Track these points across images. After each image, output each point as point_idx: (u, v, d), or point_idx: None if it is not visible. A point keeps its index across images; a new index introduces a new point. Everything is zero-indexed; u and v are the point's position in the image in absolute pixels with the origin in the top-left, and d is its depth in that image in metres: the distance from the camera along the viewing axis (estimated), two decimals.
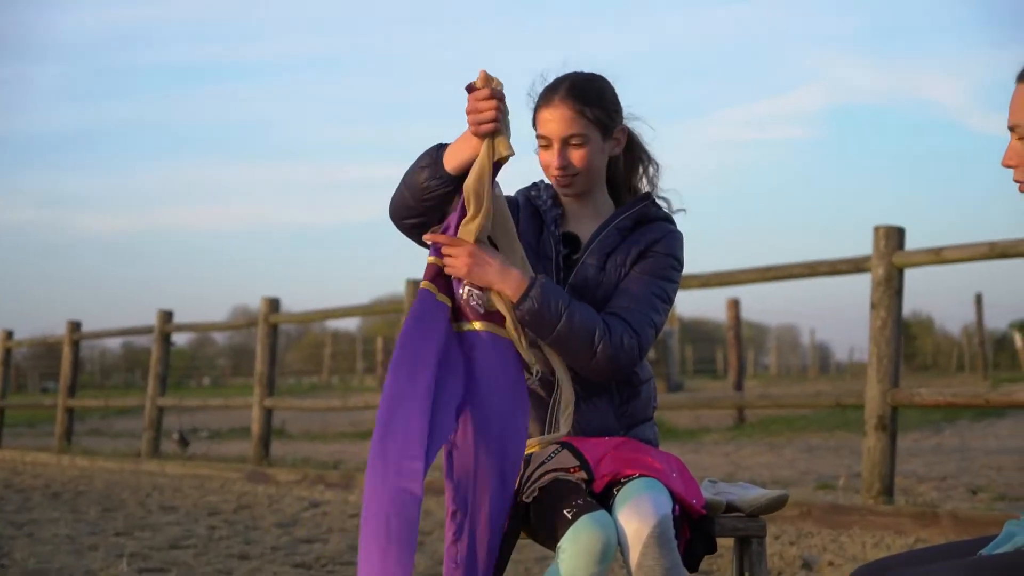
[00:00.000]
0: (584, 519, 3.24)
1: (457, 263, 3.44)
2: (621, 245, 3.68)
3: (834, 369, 56.45)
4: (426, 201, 3.49)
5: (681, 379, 35.30)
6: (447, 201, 3.50)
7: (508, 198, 3.72)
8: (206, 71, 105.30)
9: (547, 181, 3.81)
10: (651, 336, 3.55)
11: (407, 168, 3.54)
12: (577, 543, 3.21)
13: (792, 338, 71.41)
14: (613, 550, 3.24)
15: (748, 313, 59.23)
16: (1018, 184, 2.90)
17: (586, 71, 3.74)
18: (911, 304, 58.88)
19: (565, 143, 3.63)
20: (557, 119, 3.61)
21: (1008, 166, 2.91)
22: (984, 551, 2.87)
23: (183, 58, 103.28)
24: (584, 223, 3.77)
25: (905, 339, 48.77)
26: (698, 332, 58.17)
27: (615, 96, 3.73)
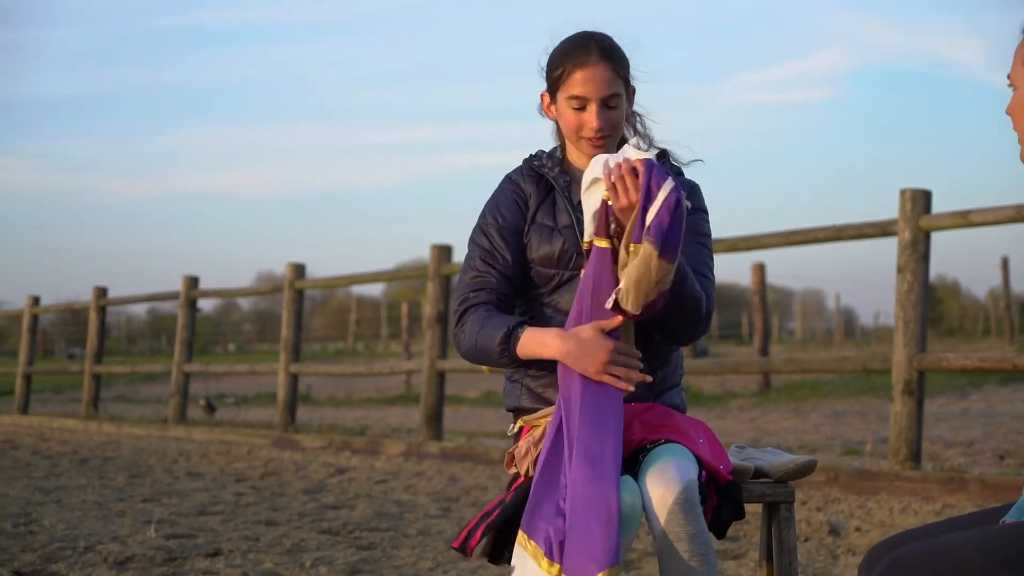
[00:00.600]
0: None
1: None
2: None
3: (859, 334, 56.31)
4: (502, 365, 3.59)
5: (706, 344, 35.23)
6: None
7: (505, 191, 3.72)
8: (229, 33, 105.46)
9: (546, 150, 3.78)
10: (713, 289, 3.63)
11: (470, 326, 3.58)
12: None
13: (817, 302, 71.32)
14: (639, 516, 3.23)
15: (773, 278, 59.25)
16: (1018, 135, 2.90)
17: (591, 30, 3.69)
18: (937, 268, 58.76)
19: (604, 104, 3.59)
20: (598, 79, 3.57)
21: (1009, 114, 2.92)
22: (1007, 518, 2.86)
23: (205, 20, 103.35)
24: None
25: (931, 303, 48.70)
26: (723, 297, 58.02)
27: (627, 55, 3.71)
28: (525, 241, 3.66)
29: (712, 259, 3.72)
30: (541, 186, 3.70)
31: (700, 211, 3.73)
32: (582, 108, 3.59)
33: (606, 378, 3.34)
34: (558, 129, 3.79)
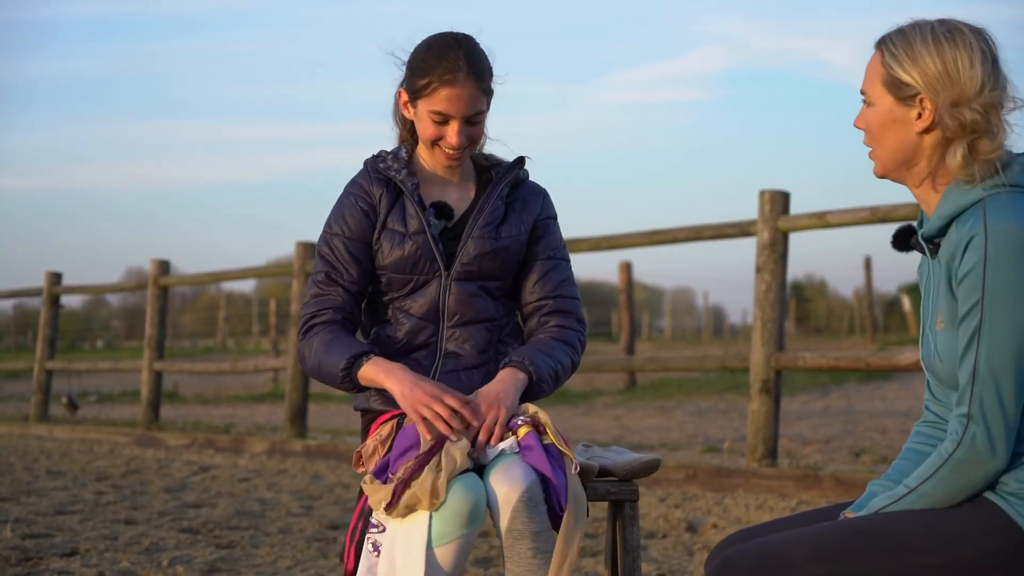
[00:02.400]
0: (452, 482, 3.27)
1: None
2: (510, 214, 3.72)
3: (728, 332, 56.89)
4: (344, 389, 3.63)
5: None
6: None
7: (350, 197, 3.70)
8: (92, 27, 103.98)
9: (388, 150, 3.78)
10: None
11: (316, 346, 3.61)
12: (446, 505, 3.24)
13: (687, 301, 71.95)
14: (482, 513, 3.27)
15: (644, 276, 59.59)
16: (869, 150, 2.98)
17: (456, 32, 3.67)
18: (805, 267, 59.55)
19: (467, 121, 3.59)
20: (465, 99, 3.55)
21: (857, 127, 2.99)
22: (846, 511, 2.94)
23: (64, 13, 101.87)
24: (450, 189, 3.75)
25: (798, 302, 49.36)
26: (594, 295, 58.29)
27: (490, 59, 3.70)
28: (375, 248, 3.67)
29: (570, 269, 3.81)
30: (390, 189, 3.69)
31: (550, 219, 3.80)
32: (443, 123, 3.59)
33: (418, 422, 3.40)
34: (404, 126, 3.79)
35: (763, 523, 3.13)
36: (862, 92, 2.96)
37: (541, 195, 3.81)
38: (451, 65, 3.55)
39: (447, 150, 3.61)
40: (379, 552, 3.36)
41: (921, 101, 2.84)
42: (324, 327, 3.63)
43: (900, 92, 2.86)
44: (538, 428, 3.44)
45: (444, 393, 3.41)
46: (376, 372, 3.50)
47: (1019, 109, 2.85)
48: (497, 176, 3.76)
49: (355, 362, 3.52)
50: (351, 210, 3.69)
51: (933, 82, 2.82)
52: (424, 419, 3.38)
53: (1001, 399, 2.68)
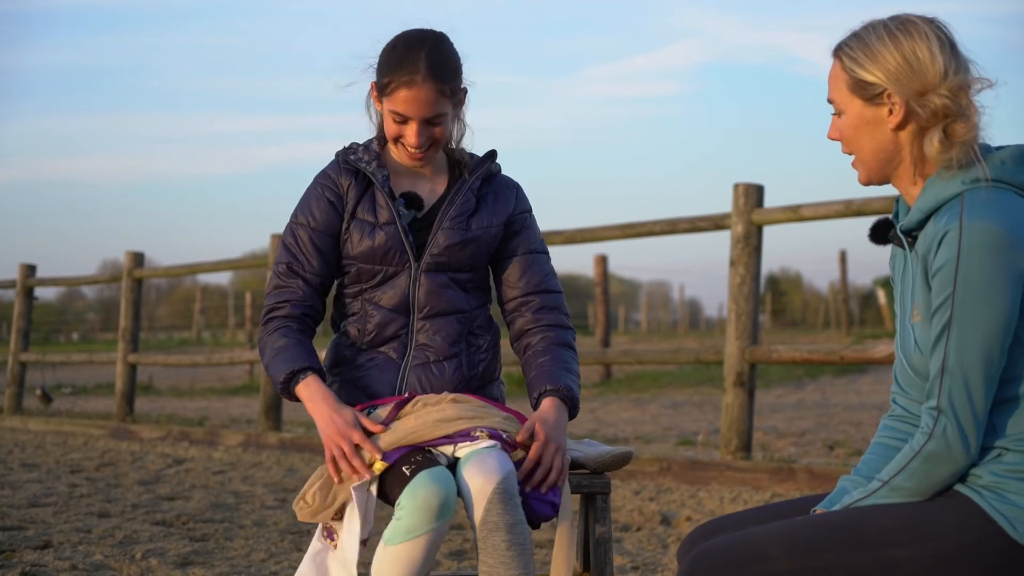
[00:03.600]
0: (422, 475, 3.27)
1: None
2: (482, 206, 3.72)
3: (704, 325, 57.02)
4: (282, 395, 3.67)
5: None
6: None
7: (318, 187, 3.72)
8: (65, 16, 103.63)
9: (360, 142, 3.78)
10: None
11: (269, 345, 3.65)
12: (415, 499, 3.24)
13: (663, 294, 72.06)
14: (452, 507, 3.27)
15: (620, 270, 59.84)
16: (850, 159, 2.99)
17: (427, 29, 3.66)
18: (780, 262, 59.70)
19: (426, 123, 3.59)
20: (422, 101, 3.54)
21: (832, 139, 3.00)
22: (818, 507, 2.95)
23: (48, 4, 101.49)
24: (421, 181, 3.75)
25: (774, 296, 49.45)
26: (570, 288, 58.31)
27: (460, 60, 3.68)
28: (344, 238, 3.67)
29: (551, 262, 3.84)
30: (359, 180, 3.69)
31: (526, 212, 3.81)
32: (403, 122, 3.59)
33: (328, 461, 3.46)
34: (378, 118, 3.78)
35: (732, 513, 3.14)
36: (830, 101, 2.97)
37: (514, 188, 3.81)
38: (411, 67, 3.54)
39: (408, 148, 3.62)
40: (332, 538, 3.48)
41: (889, 97, 2.86)
42: (282, 322, 3.66)
43: (866, 92, 2.87)
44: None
45: (352, 429, 3.43)
46: (305, 396, 3.56)
47: (987, 89, 2.86)
48: (469, 169, 3.76)
49: (292, 379, 3.56)
50: (318, 201, 3.70)
51: (896, 76, 2.84)
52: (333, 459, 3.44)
53: (970, 392, 2.70)
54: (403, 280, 3.65)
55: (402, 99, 3.55)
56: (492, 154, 3.80)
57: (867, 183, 2.98)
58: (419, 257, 3.64)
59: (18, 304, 17.75)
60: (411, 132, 3.58)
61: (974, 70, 2.86)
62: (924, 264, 2.81)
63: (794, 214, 8.96)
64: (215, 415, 16.82)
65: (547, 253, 3.84)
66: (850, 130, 2.92)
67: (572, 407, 3.62)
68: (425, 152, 3.62)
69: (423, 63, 3.55)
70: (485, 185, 3.77)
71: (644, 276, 74.74)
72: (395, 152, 3.70)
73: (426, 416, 3.43)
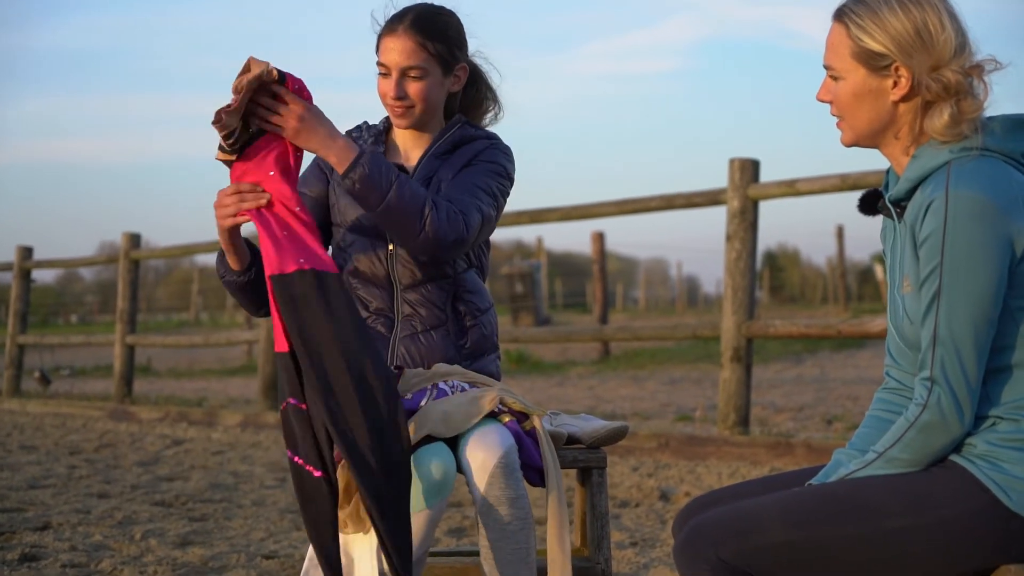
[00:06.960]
0: (421, 451, 3.28)
1: (285, 123, 3.38)
2: (442, 168, 3.70)
3: (702, 302, 56.95)
4: (242, 288, 3.68)
5: (551, 313, 35.41)
6: (255, 287, 3.66)
7: (311, 164, 3.80)
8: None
9: (371, 122, 3.83)
10: (477, 220, 3.53)
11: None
12: (415, 476, 3.25)
13: (661, 271, 71.95)
14: (451, 483, 3.28)
15: (618, 247, 59.75)
16: (836, 119, 2.96)
17: (435, 3, 3.73)
18: (778, 237, 59.61)
19: (404, 74, 3.61)
20: (398, 49, 3.60)
21: (822, 100, 2.96)
22: (812, 481, 2.95)
23: None
24: (414, 156, 3.77)
25: (772, 271, 49.42)
26: (568, 266, 58.35)
27: (460, 32, 3.72)
28: (331, 203, 3.75)
29: (483, 194, 3.62)
30: None
31: (493, 163, 3.70)
32: (386, 75, 3.64)
33: (222, 213, 3.43)
34: None
35: (727, 487, 3.15)
36: (826, 66, 2.92)
37: (486, 146, 3.75)
38: (397, 19, 3.65)
39: (388, 103, 3.65)
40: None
41: (896, 69, 2.81)
42: None
43: (873, 63, 2.82)
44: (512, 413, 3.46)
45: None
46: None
47: (999, 70, 2.83)
48: (435, 136, 3.75)
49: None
50: (312, 169, 3.81)
51: (907, 48, 2.79)
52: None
53: (962, 362, 2.69)
54: (383, 252, 3.67)
55: (384, 48, 3.64)
56: (457, 120, 3.79)
57: (851, 146, 2.95)
58: None
59: (16, 286, 17.73)
60: (390, 84, 3.62)
61: (977, 47, 2.83)
62: (912, 234, 2.79)
63: (790, 188, 8.96)
64: (214, 396, 16.81)
65: (487, 184, 3.66)
66: (848, 96, 2.87)
67: (360, 156, 3.42)
68: (406, 110, 3.64)
69: (410, 16, 3.65)
70: (458, 149, 3.74)
71: (642, 253, 74.78)
72: (391, 118, 3.71)
73: (452, 408, 3.40)
